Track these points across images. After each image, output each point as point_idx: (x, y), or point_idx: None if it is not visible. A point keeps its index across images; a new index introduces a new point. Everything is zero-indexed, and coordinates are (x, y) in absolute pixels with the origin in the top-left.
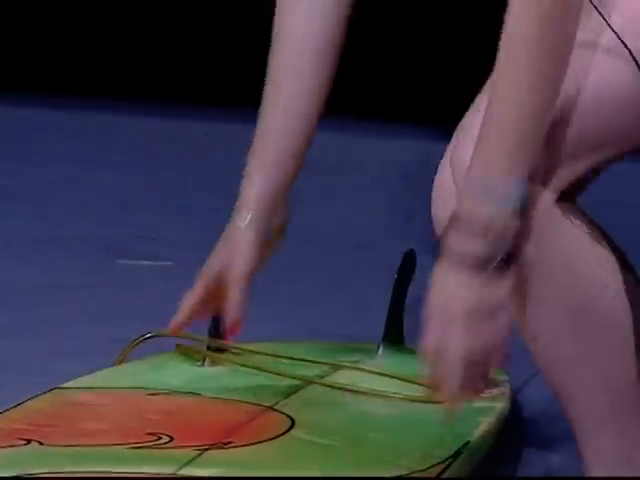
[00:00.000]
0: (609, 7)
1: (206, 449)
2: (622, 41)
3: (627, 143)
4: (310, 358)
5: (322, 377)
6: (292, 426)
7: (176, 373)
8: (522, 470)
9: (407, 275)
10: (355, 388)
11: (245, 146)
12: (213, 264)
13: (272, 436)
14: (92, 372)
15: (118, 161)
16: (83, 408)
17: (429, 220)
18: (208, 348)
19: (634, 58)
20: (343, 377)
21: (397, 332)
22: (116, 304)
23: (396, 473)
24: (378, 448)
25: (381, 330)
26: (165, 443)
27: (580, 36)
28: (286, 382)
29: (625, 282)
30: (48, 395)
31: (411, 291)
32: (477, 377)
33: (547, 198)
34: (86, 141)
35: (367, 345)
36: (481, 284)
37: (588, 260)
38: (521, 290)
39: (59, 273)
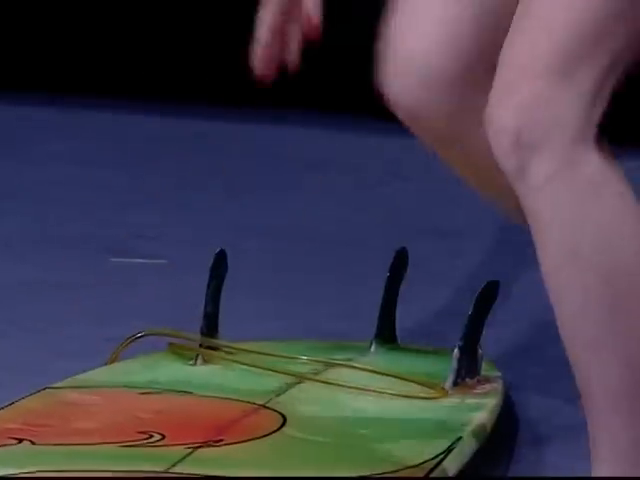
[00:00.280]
0: None
1: (198, 447)
2: None
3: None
4: (302, 356)
5: (314, 375)
6: (284, 423)
7: (168, 372)
8: (514, 466)
9: (399, 273)
10: (348, 384)
11: (244, 146)
12: None
13: (264, 434)
14: (85, 371)
15: (118, 160)
16: (75, 407)
17: (423, 218)
18: (200, 346)
19: None
20: (336, 375)
21: (389, 330)
22: (110, 303)
23: (388, 469)
24: (370, 445)
25: (373, 328)
26: (157, 441)
27: None
28: (278, 380)
29: None
30: (40, 394)
31: (403, 289)
32: None
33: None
34: (86, 140)
35: (359, 343)
36: None
37: (631, 225)
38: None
39: (56, 272)
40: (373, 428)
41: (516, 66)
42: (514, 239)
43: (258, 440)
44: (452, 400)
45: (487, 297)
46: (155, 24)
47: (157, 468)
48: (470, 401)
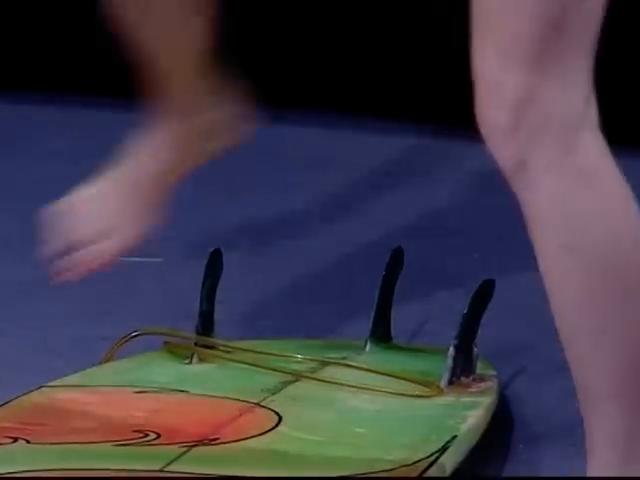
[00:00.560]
0: None
1: (193, 446)
2: None
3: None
4: (298, 354)
5: (310, 373)
6: (279, 422)
7: (163, 371)
8: (510, 465)
9: (394, 272)
10: (343, 383)
11: (241, 144)
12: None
13: (259, 432)
14: (80, 370)
15: (108, 156)
16: (70, 406)
17: (418, 217)
18: (196, 345)
19: None
20: (331, 373)
21: (385, 328)
22: (105, 301)
23: (384, 468)
24: (365, 444)
25: (369, 326)
26: (152, 440)
27: None
28: (273, 379)
29: None
30: (35, 393)
31: (398, 287)
32: None
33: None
34: (86, 139)
35: (355, 341)
36: None
37: (626, 214)
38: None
39: (47, 270)
40: (368, 426)
41: (495, 61)
42: (510, 238)
43: (253, 439)
44: (447, 398)
45: (483, 296)
46: None
47: (152, 467)
48: (465, 400)
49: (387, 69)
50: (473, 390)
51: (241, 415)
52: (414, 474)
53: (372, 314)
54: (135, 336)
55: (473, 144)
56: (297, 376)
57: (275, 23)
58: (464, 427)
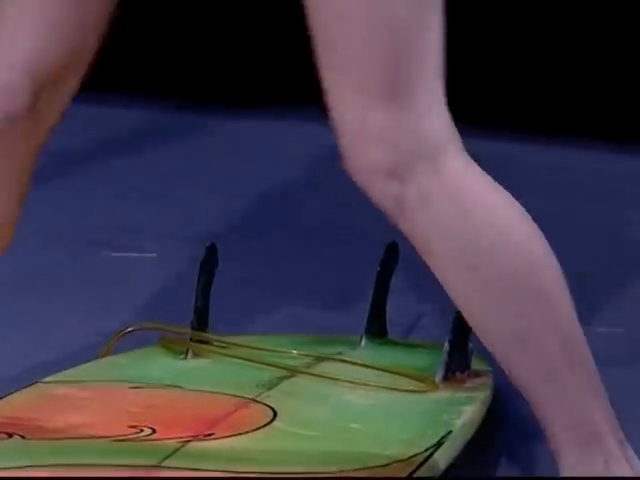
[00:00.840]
0: None
1: (188, 441)
2: None
3: None
4: (293, 350)
5: (305, 369)
6: (274, 418)
7: (159, 366)
8: (504, 460)
9: (390, 267)
10: (338, 378)
11: (228, 138)
12: None
13: (254, 428)
14: (76, 365)
15: (102, 153)
16: (65, 402)
17: None
18: (191, 340)
19: None
20: (326, 368)
21: (380, 324)
22: (101, 297)
23: (379, 463)
24: (361, 439)
25: (364, 322)
26: (147, 435)
27: None
28: (268, 374)
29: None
30: (31, 389)
31: (394, 283)
32: None
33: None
34: (70, 133)
35: (350, 337)
36: None
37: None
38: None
39: (44, 265)
40: (363, 422)
41: (356, 102)
42: None
43: (249, 434)
44: (442, 394)
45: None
46: (142, 16)
47: (148, 462)
48: (460, 395)
49: None
50: (468, 385)
51: (236, 410)
52: (409, 469)
53: (367, 309)
54: (130, 331)
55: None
56: (292, 371)
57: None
58: (459, 422)
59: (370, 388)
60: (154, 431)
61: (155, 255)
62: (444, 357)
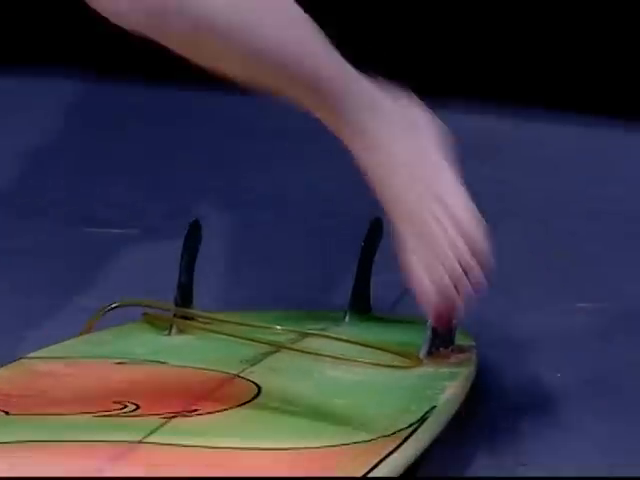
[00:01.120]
0: None
1: (172, 417)
2: None
3: None
4: (277, 325)
5: (289, 344)
6: (258, 393)
7: (142, 342)
8: (489, 435)
9: (373, 242)
10: (323, 354)
11: (217, 115)
12: None
13: (238, 403)
14: (59, 342)
15: (87, 129)
16: (49, 378)
17: None
18: (175, 316)
19: None
20: (310, 344)
21: (364, 299)
22: (83, 273)
23: (363, 438)
24: (345, 414)
25: (348, 298)
26: (131, 411)
27: None
28: (252, 350)
29: None
30: (14, 365)
31: (378, 259)
32: None
33: None
34: (59, 109)
35: (334, 312)
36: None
37: None
38: None
39: (24, 240)
40: (348, 397)
41: None
42: (488, 209)
43: (233, 410)
44: (426, 369)
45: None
46: None
47: (132, 438)
48: (444, 370)
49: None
50: (452, 361)
51: (221, 386)
52: (393, 444)
53: (351, 285)
54: (114, 307)
55: (439, 111)
56: (277, 347)
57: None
58: (443, 397)
59: (354, 364)
60: (138, 407)
61: (138, 231)
62: (428, 333)
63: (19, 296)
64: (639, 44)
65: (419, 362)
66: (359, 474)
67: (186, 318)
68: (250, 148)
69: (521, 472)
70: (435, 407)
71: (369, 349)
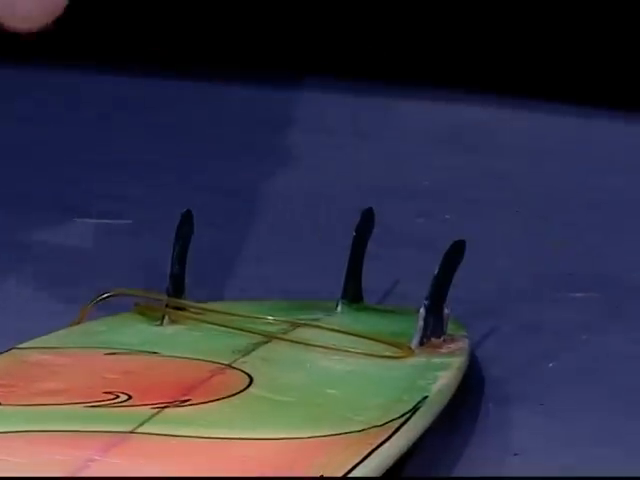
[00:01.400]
0: None
1: (164, 407)
2: None
3: None
4: (269, 316)
5: (281, 335)
6: (250, 383)
7: (134, 332)
8: (481, 425)
9: (365, 233)
10: (315, 344)
11: (213, 105)
12: None
13: (230, 393)
14: (51, 332)
15: (82, 119)
16: (40, 368)
17: (389, 178)
18: (167, 307)
19: None
20: (302, 334)
21: (356, 289)
22: (75, 263)
23: (355, 428)
24: (337, 404)
25: (340, 288)
26: (123, 402)
27: None
28: (244, 340)
29: None
30: (5, 355)
31: (369, 249)
32: None
33: None
34: (52, 101)
35: (326, 302)
36: None
37: None
38: None
39: (19, 232)
40: (340, 387)
41: None
42: (481, 199)
43: (225, 400)
44: (418, 359)
45: (453, 257)
46: None
47: (123, 428)
48: (436, 360)
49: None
50: (444, 351)
51: (212, 376)
52: (385, 434)
53: (343, 275)
54: (106, 297)
55: (439, 102)
56: (269, 337)
57: None
58: (435, 387)
59: (346, 354)
60: (130, 397)
61: (130, 222)
62: (420, 323)
63: (9, 286)
64: (639, 35)
65: (411, 352)
66: (351, 464)
67: (178, 308)
68: (243, 140)
69: (513, 462)
70: (427, 397)
71: (361, 339)
